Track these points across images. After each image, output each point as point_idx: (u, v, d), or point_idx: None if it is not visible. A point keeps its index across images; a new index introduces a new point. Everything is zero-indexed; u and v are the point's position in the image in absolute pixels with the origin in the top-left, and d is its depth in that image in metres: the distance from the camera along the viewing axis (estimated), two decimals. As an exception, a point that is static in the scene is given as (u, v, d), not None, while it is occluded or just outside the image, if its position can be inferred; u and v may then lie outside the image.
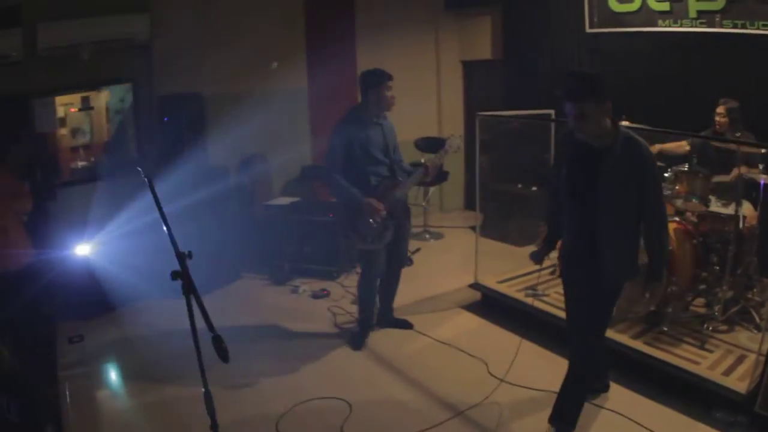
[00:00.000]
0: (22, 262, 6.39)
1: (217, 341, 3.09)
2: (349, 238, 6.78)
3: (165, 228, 3.51)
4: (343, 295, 8.29)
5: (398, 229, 6.84)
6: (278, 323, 7.57)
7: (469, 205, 12.46)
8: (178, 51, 9.18)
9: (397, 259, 7.13)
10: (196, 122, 9.44)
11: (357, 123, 6.61)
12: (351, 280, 8.57)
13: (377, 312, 7.29)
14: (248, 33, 9.76)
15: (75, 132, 8.81)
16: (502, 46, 11.78)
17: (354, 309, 7.55)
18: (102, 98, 8.94)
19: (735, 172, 6.87)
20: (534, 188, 10.11)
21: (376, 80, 6.56)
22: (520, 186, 10.51)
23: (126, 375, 6.65)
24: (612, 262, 4.72)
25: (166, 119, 9.23)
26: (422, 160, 8.25)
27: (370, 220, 6.45)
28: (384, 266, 6.94)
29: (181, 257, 3.45)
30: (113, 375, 6.73)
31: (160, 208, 3.60)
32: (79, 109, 8.78)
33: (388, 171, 6.75)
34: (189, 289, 3.36)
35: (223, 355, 3.10)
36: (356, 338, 7.04)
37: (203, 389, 3.28)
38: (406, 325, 7.34)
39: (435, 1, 12.19)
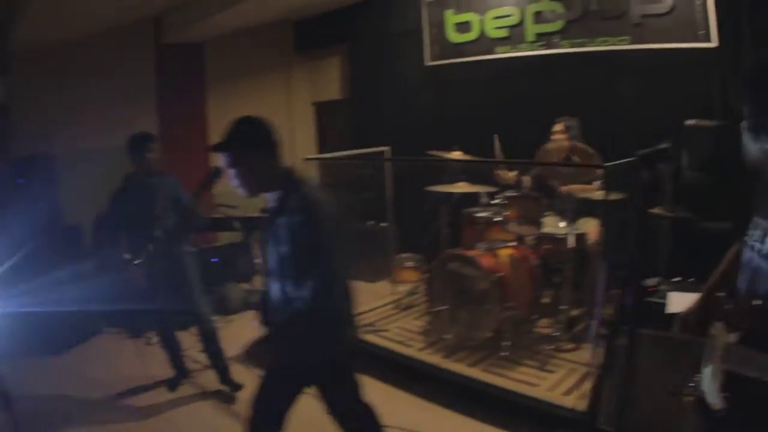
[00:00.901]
0: None
1: None
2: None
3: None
4: (192, 344, 7.95)
5: (178, 293, 6.57)
6: (123, 374, 7.34)
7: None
8: (33, 113, 9.04)
9: (199, 322, 6.74)
10: (48, 182, 9.33)
11: (129, 184, 6.59)
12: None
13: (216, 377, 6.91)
14: (100, 88, 9.61)
15: None
16: (349, 85, 11.79)
17: (202, 357, 7.24)
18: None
19: (568, 187, 6.95)
20: (384, 224, 10.02)
21: (135, 144, 6.51)
22: (371, 223, 10.41)
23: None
24: None
25: (19, 180, 9.06)
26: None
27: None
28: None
29: None
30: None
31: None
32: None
33: (157, 231, 6.31)
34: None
35: None
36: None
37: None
38: (231, 396, 6.76)
39: (285, 43, 12.20)
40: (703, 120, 6.61)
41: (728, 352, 2.75)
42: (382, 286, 9.70)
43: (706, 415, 2.89)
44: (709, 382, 2.87)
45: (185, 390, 6.93)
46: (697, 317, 3.22)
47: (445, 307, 6.80)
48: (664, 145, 3.07)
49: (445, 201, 8.11)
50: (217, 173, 6.02)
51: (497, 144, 7.49)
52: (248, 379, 6.57)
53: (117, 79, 9.98)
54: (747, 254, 2.86)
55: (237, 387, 6.74)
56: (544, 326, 7.12)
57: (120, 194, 6.58)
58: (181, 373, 7.00)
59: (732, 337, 2.75)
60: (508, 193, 7.23)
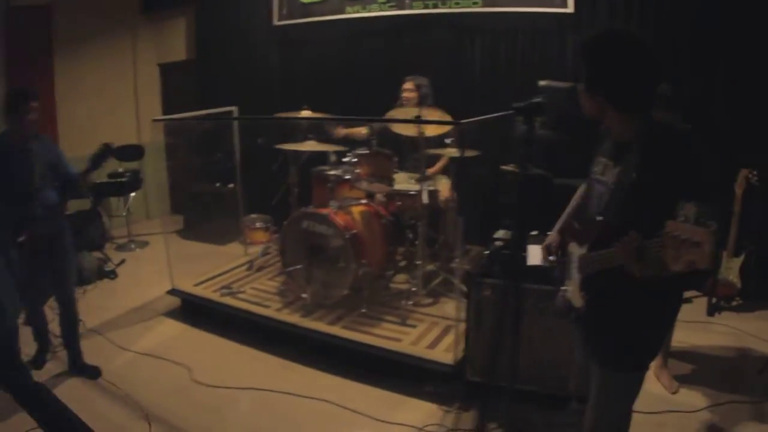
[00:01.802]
0: None
1: None
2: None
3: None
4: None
5: (53, 267, 6.05)
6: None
7: (175, 209, 12.17)
8: None
9: (64, 300, 6.25)
10: None
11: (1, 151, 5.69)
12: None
13: (68, 359, 6.47)
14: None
15: None
16: (196, 46, 11.62)
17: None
18: None
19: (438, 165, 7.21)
20: (231, 185, 9.94)
21: (16, 102, 5.66)
22: (218, 185, 10.33)
23: None
24: None
25: None
26: (120, 169, 7.84)
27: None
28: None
29: None
30: None
31: None
32: None
33: (27, 200, 5.76)
34: None
35: None
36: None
37: None
38: (93, 373, 6.38)
39: (131, 4, 11.87)
40: (556, 81, 6.73)
41: (581, 261, 3.29)
42: (233, 248, 9.77)
43: (572, 314, 3.48)
44: (572, 288, 3.41)
45: (52, 367, 6.55)
46: (557, 242, 3.74)
47: (299, 267, 6.80)
48: (538, 99, 3.18)
49: (294, 160, 8.13)
50: (109, 150, 5.87)
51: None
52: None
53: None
54: (592, 185, 3.41)
55: (92, 372, 6.41)
56: (400, 282, 7.22)
57: None
58: (46, 349, 6.61)
59: (583, 250, 3.28)
60: (359, 151, 7.25)
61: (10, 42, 10.19)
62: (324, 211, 6.78)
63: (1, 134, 5.78)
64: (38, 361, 6.47)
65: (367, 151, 7.19)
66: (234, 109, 8.72)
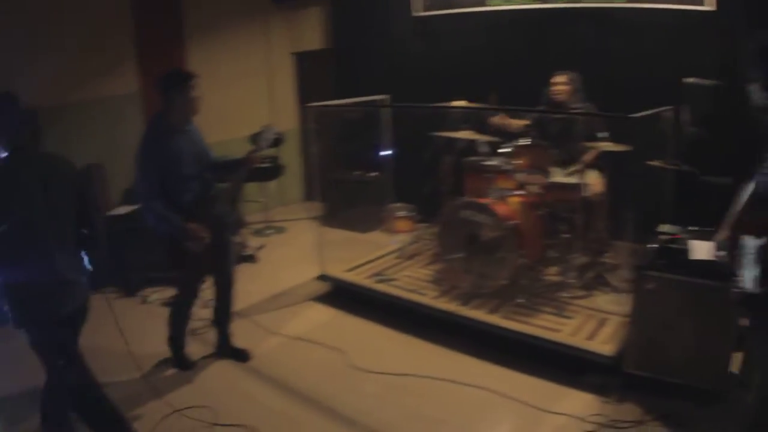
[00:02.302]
0: None
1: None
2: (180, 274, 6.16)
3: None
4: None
5: (218, 248, 6.03)
6: (132, 337, 7.14)
7: (310, 196, 12.20)
8: (13, 66, 8.68)
9: (223, 281, 6.34)
10: (33, 136, 8.86)
11: (165, 135, 5.68)
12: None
13: (217, 341, 6.61)
14: (74, 42, 9.32)
15: None
16: (331, 36, 11.66)
17: (206, 312, 6.93)
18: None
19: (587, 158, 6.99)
20: (374, 174, 9.97)
21: (180, 82, 5.74)
22: (359, 173, 10.34)
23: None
24: None
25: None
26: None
27: (197, 246, 5.68)
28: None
29: None
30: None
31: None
32: None
33: (199, 185, 5.89)
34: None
35: None
36: (177, 361, 6.40)
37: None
38: (243, 356, 6.48)
39: (262, -4, 11.91)
40: (701, 79, 6.61)
41: (758, 252, 3.35)
42: (375, 236, 9.77)
43: (748, 302, 3.46)
44: (748, 277, 3.41)
45: (197, 350, 6.65)
46: (728, 237, 3.66)
47: (460, 255, 6.73)
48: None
49: (447, 150, 8.03)
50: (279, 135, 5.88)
51: (493, 98, 7.39)
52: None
53: (93, 30, 9.72)
54: (762, 180, 3.43)
55: (242, 355, 6.50)
56: (553, 274, 7.11)
57: (156, 144, 5.65)
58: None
59: (759, 242, 3.34)
60: (518, 142, 7.21)
61: (141, 31, 10.35)
62: (484, 200, 6.73)
63: (159, 116, 5.80)
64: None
65: (528, 143, 7.15)
66: (385, 97, 8.73)
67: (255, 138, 5.98)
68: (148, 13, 10.27)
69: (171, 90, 5.69)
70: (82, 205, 4.64)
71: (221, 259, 6.15)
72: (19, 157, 4.36)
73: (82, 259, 4.71)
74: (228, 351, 6.51)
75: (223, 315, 6.47)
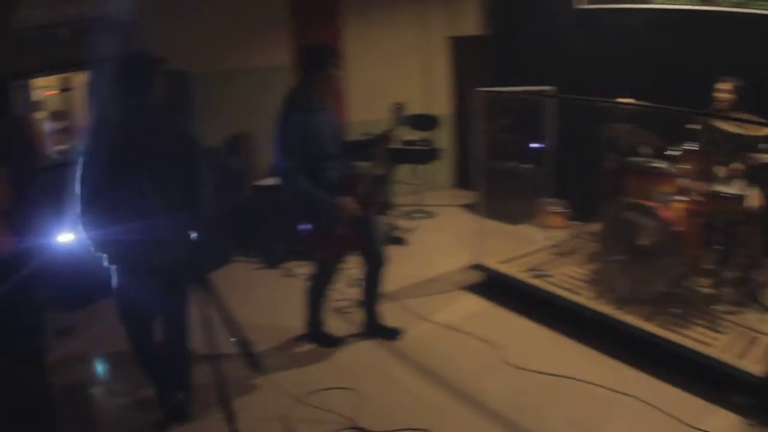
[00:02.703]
0: (3, 251, 6.22)
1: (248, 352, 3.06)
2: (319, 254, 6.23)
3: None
4: (338, 278, 7.94)
5: (365, 227, 6.12)
6: (274, 309, 7.37)
7: (460, 183, 12.38)
8: (160, 29, 8.94)
9: (374, 259, 6.34)
10: (181, 100, 9.13)
11: (305, 111, 5.68)
12: (347, 262, 8.12)
13: (364, 321, 6.74)
14: (231, 10, 9.58)
15: (54, 115, 8.57)
16: (490, 21, 11.64)
17: (352, 292, 7.27)
18: (82, 80, 8.65)
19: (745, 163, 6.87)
20: (528, 166, 10.01)
21: (328, 58, 5.74)
22: (513, 164, 10.38)
23: (118, 369, 6.33)
24: None
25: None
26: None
27: (344, 224, 5.79)
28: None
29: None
30: (104, 369, 6.45)
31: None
32: (59, 92, 8.52)
33: (340, 164, 5.93)
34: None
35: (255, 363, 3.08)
36: (317, 338, 6.58)
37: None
38: (393, 334, 6.64)
39: (421, -26, 11.94)
40: None
41: None
42: (525, 229, 9.83)
43: None
44: None
45: (343, 328, 6.85)
46: None
47: (620, 258, 6.71)
48: None
49: (609, 148, 7.96)
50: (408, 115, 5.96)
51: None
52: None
53: (250, 4, 10.00)
54: None
55: (390, 333, 6.66)
56: (706, 286, 6.95)
57: (297, 118, 5.67)
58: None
59: None
60: (686, 146, 7.08)
61: (296, 4, 10.59)
62: (650, 203, 6.67)
63: (297, 90, 5.83)
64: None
65: (696, 148, 7.03)
66: (551, 88, 8.77)
67: (429, 123, 6.05)
68: None
69: (314, 65, 5.74)
70: (188, 171, 4.76)
71: (369, 239, 6.21)
72: (140, 113, 4.63)
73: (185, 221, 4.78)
74: (376, 329, 6.64)
75: (371, 295, 6.56)
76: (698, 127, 7.30)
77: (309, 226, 5.85)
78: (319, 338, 6.54)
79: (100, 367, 6.48)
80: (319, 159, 5.71)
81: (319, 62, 5.72)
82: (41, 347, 5.95)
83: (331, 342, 6.51)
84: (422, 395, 5.57)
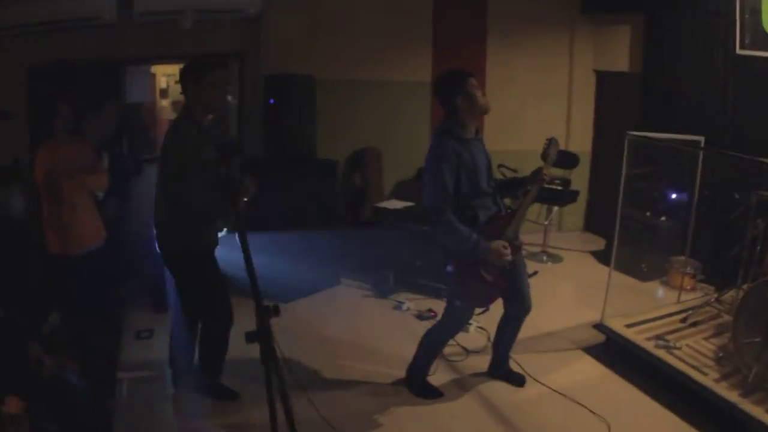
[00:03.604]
0: (89, 245, 6.08)
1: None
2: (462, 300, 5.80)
3: (249, 278, 3.13)
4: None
5: (516, 269, 5.81)
6: (375, 343, 7.04)
7: (590, 227, 11.86)
8: (289, 28, 8.77)
9: (521, 302, 6.01)
10: (304, 107, 8.92)
11: (458, 142, 5.37)
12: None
13: (491, 360, 6.53)
14: (368, 17, 9.40)
15: (177, 105, 8.45)
16: (641, 59, 11.08)
17: (463, 338, 6.94)
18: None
19: None
20: (663, 219, 9.48)
21: (461, 81, 5.39)
22: (648, 215, 9.85)
23: (191, 384, 6.09)
24: None
25: (271, 100, 8.77)
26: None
27: (494, 269, 5.44)
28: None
29: (264, 314, 3.07)
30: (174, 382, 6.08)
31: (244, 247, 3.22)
32: (176, 82, 8.46)
33: (492, 202, 5.61)
34: (267, 357, 2.99)
35: None
36: (419, 389, 6.19)
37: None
38: (519, 380, 6.42)
39: (570, 3, 11.63)
40: None
41: None
42: (653, 287, 9.35)
43: None
44: None
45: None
46: None
47: (756, 340, 6.06)
48: None
49: (759, 213, 7.31)
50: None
51: None
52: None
53: (390, 10, 9.77)
54: None
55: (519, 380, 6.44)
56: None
57: (452, 152, 5.33)
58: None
59: None
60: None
61: (441, 23, 10.50)
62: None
63: (447, 123, 5.53)
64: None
65: None
66: (699, 138, 8.37)
67: (544, 154, 5.64)
68: (450, 4, 10.55)
69: (452, 92, 5.41)
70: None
71: (517, 283, 5.91)
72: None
73: None
74: (504, 373, 6.48)
75: (509, 338, 6.37)
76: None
77: (453, 268, 5.53)
78: (421, 388, 6.21)
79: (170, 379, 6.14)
80: (472, 197, 5.43)
81: (455, 87, 5.39)
82: (113, 344, 5.80)
83: (432, 394, 6.17)
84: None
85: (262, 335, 3.04)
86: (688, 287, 8.75)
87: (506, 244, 5.33)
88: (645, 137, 8.07)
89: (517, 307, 6.05)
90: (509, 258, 5.34)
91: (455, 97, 5.36)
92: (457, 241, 5.27)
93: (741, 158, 7.61)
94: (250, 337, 3.06)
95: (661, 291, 9.14)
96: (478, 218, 5.41)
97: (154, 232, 5.38)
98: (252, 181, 5.20)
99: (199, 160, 4.91)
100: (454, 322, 6.01)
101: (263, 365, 3.08)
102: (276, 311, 3.12)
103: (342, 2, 9.25)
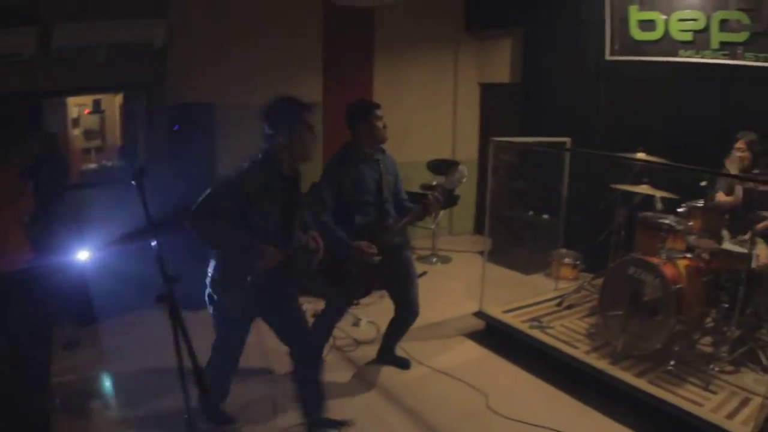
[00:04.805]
0: (18, 265, 6.29)
1: (199, 376, 3.08)
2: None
3: (155, 245, 3.48)
4: (345, 318, 7.91)
5: (403, 278, 6.44)
6: (272, 342, 7.37)
7: (480, 229, 12.33)
8: (192, 59, 9.07)
9: (409, 308, 6.55)
10: (206, 132, 9.21)
11: (349, 161, 6.02)
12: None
13: (379, 349, 7.05)
14: (263, 44, 9.69)
15: (88, 134, 8.71)
16: (520, 70, 11.62)
17: (355, 331, 7.57)
18: (115, 102, 8.81)
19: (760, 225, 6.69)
20: (545, 216, 10.00)
21: (364, 112, 6.05)
22: (531, 213, 10.38)
23: (119, 386, 6.46)
24: None
25: (176, 127, 9.03)
26: (434, 182, 7.99)
27: (357, 264, 5.90)
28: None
29: (169, 282, 3.42)
30: (106, 385, 6.52)
31: (150, 223, 3.56)
32: (91, 112, 8.68)
33: (376, 212, 6.10)
34: (175, 317, 3.35)
35: (204, 388, 3.09)
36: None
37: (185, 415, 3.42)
38: (404, 364, 6.92)
39: (455, 20, 12.14)
40: None
41: None
42: (537, 280, 9.83)
43: None
44: None
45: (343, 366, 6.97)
46: None
47: (619, 313, 6.67)
48: None
49: (624, 202, 8.04)
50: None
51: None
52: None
53: (283, 36, 10.10)
54: None
55: (403, 362, 6.95)
56: (705, 344, 6.96)
57: (338, 167, 6.02)
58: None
59: None
60: (694, 203, 7.12)
61: (330, 44, 10.80)
62: (654, 260, 6.64)
63: (348, 145, 6.08)
64: None
65: (702, 204, 7.04)
66: (567, 140, 8.84)
67: (447, 177, 6.09)
68: (339, 28, 10.74)
69: (356, 120, 6.02)
70: None
71: (406, 294, 6.49)
72: None
73: None
74: (389, 358, 6.96)
75: (395, 335, 6.88)
76: (704, 183, 7.24)
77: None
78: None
79: (101, 382, 6.56)
80: (351, 206, 5.96)
81: (360, 116, 6.03)
82: (46, 357, 6.06)
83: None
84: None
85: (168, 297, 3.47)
86: (570, 277, 9.36)
87: (370, 244, 5.81)
88: (508, 141, 8.67)
89: (406, 313, 6.58)
90: (373, 257, 5.83)
91: (357, 125, 6.02)
92: (328, 238, 5.67)
93: (597, 155, 8.31)
94: (158, 299, 3.46)
95: (543, 282, 9.63)
96: (354, 222, 5.95)
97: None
98: None
99: None
100: (331, 311, 6.47)
101: (171, 320, 3.47)
102: (178, 279, 3.53)
103: (239, 32, 9.46)
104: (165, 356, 3.96)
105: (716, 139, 7.55)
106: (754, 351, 6.65)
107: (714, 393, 5.97)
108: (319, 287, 6.54)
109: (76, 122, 8.65)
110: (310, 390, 5.36)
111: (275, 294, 5.01)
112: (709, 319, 6.99)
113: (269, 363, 6.21)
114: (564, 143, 8.88)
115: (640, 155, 7.47)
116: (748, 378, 6.28)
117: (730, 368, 6.44)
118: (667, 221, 7.27)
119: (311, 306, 8.09)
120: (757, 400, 5.63)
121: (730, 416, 5.55)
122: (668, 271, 6.48)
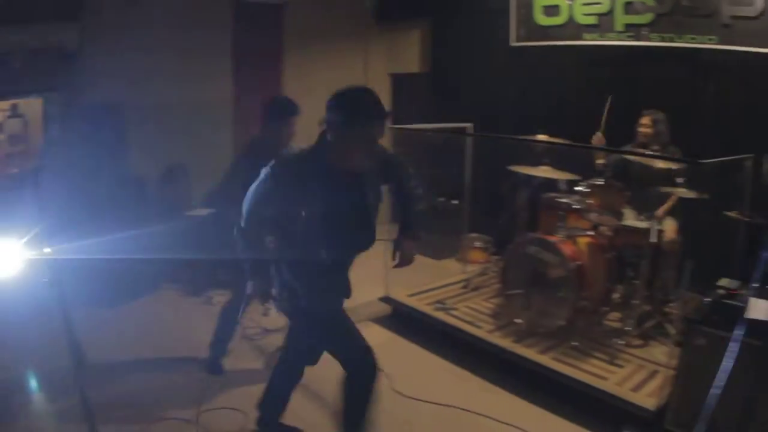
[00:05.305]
0: None
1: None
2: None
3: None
4: (254, 307, 7.85)
5: None
6: (187, 332, 7.32)
7: (393, 217, 12.15)
8: (102, 61, 8.93)
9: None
10: (116, 132, 9.17)
11: (258, 155, 5.32)
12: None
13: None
14: (173, 44, 9.54)
15: (12, 139, 8.55)
16: (430, 59, 11.66)
17: (264, 320, 7.43)
18: (35, 106, 8.64)
19: (667, 204, 6.90)
20: (454, 202, 9.98)
21: (290, 111, 5.88)
22: (441, 200, 10.36)
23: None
24: None
25: (87, 128, 8.94)
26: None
27: None
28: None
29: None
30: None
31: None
32: (9, 117, 8.50)
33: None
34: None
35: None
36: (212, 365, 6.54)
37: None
38: None
39: (363, 13, 12.13)
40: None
41: None
42: (448, 264, 9.86)
43: None
44: None
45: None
46: None
47: (519, 291, 6.70)
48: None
49: (525, 184, 8.07)
50: None
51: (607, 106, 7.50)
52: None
53: (192, 34, 9.92)
54: None
55: None
56: (613, 320, 7.01)
57: (245, 160, 5.77)
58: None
59: None
60: (592, 181, 7.15)
61: (239, 41, 10.61)
62: (552, 238, 6.69)
63: (256, 137, 6.04)
64: None
65: (601, 182, 7.08)
66: (469, 125, 8.83)
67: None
68: (248, 23, 10.56)
69: (271, 118, 5.94)
70: None
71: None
72: None
73: None
74: None
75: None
76: (602, 161, 7.30)
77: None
78: (214, 365, 6.57)
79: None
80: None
81: (276, 116, 5.92)
82: None
83: (217, 370, 6.57)
84: (311, 420, 5.63)
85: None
86: (481, 260, 9.34)
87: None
88: (407, 128, 8.75)
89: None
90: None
91: (277, 121, 5.91)
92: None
93: (492, 137, 8.49)
94: None
95: (453, 266, 9.65)
96: None
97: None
98: None
99: None
100: (234, 299, 6.50)
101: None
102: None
103: (147, 34, 9.33)
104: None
105: (622, 120, 7.53)
106: (662, 325, 6.72)
107: (620, 367, 6.01)
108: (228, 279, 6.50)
109: (0, 128, 8.50)
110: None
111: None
112: (617, 295, 7.04)
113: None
114: (465, 129, 8.83)
115: (541, 137, 7.48)
116: (657, 351, 6.33)
117: (638, 342, 6.50)
118: (565, 200, 7.30)
119: (222, 298, 8.03)
120: (665, 372, 5.59)
121: (637, 389, 5.60)
122: (567, 248, 6.53)
